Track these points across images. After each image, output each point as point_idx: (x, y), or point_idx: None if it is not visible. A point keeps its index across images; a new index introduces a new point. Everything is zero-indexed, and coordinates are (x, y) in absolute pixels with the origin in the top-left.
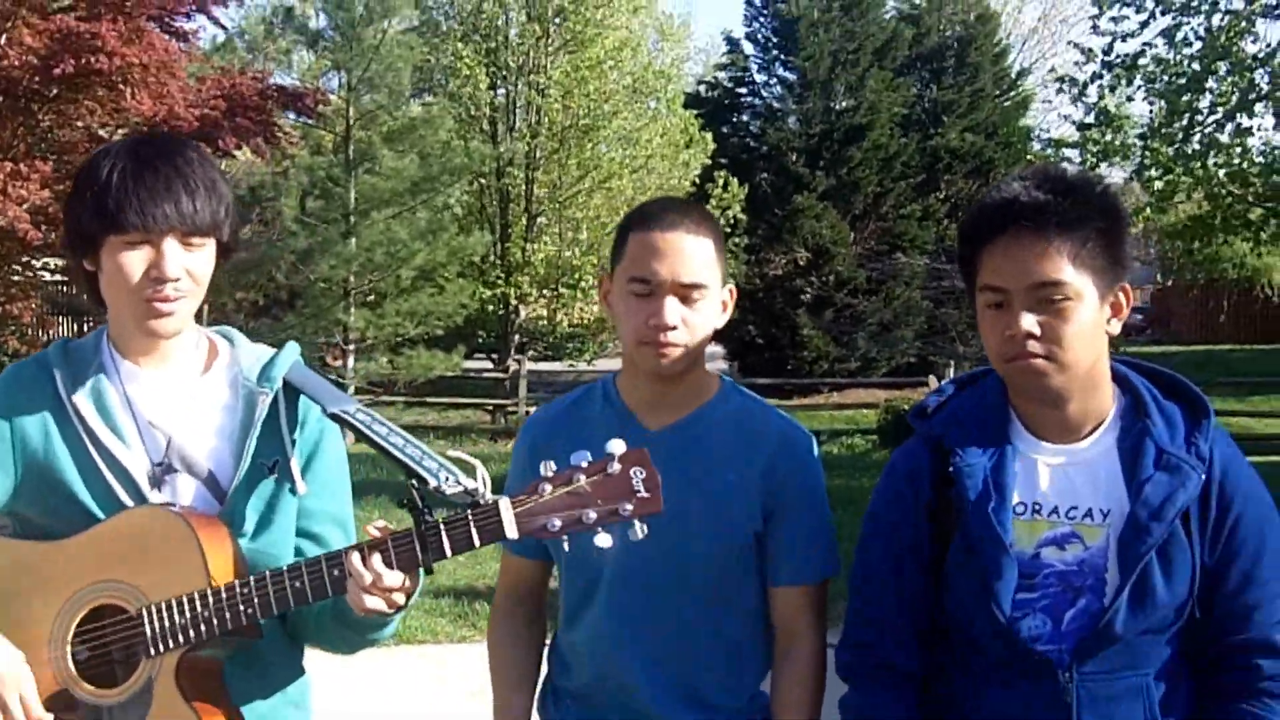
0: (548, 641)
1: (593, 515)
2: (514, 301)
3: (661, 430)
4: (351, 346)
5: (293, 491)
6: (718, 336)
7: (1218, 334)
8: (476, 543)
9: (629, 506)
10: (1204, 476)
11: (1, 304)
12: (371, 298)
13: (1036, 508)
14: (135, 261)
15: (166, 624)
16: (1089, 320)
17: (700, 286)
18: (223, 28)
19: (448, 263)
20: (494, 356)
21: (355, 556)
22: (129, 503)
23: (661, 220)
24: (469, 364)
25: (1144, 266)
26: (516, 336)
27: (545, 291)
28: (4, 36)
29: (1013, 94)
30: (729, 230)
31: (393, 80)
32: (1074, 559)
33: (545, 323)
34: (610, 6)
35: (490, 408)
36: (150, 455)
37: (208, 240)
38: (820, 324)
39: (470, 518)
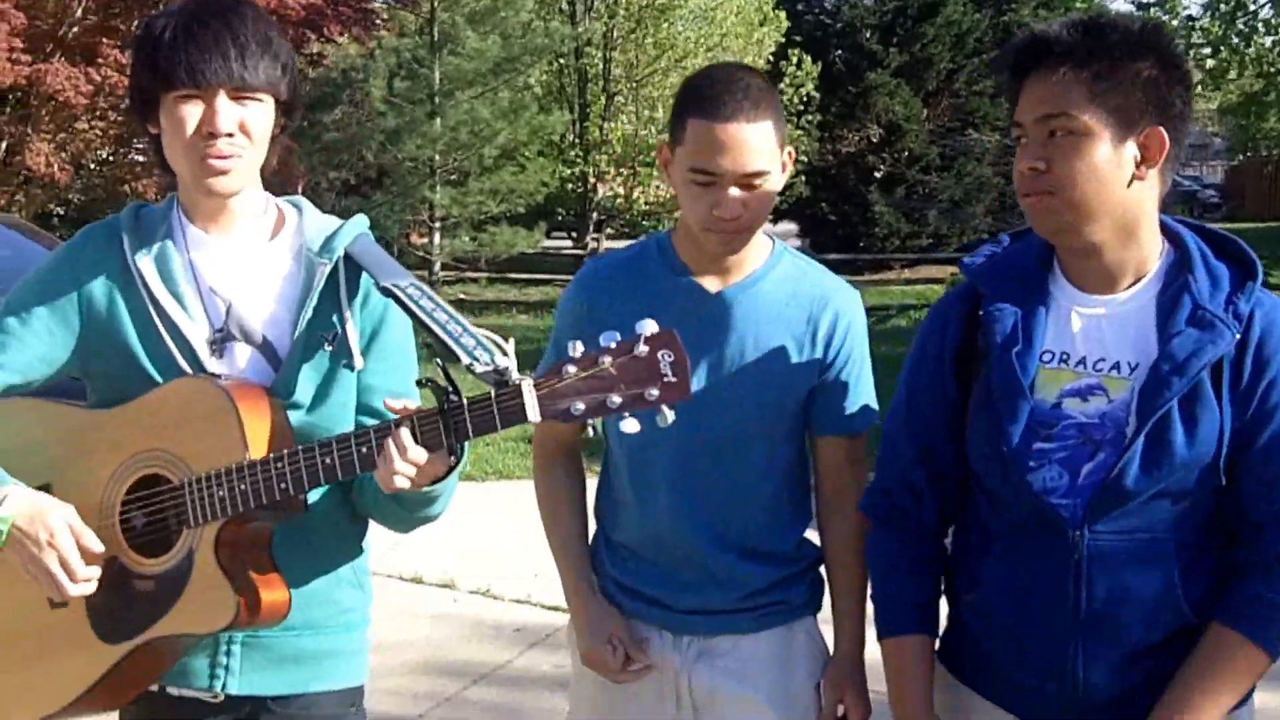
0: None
1: (617, 400)
2: (592, 180)
3: (720, 291)
4: (437, 224)
5: (349, 366)
6: (790, 213)
7: None
8: (498, 425)
9: (655, 391)
10: (1238, 336)
11: (127, 181)
12: (456, 176)
13: (1064, 357)
14: (188, 116)
15: (205, 496)
16: (1101, 158)
17: (763, 174)
18: None
19: (529, 141)
20: (573, 234)
21: (381, 432)
22: (187, 370)
23: (720, 109)
24: (549, 242)
25: (1222, 140)
26: (594, 214)
27: (622, 170)
28: None
29: None
30: (802, 108)
31: None
32: (1095, 411)
33: (622, 200)
34: None
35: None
36: (211, 322)
37: (263, 96)
38: (892, 201)
39: (493, 399)
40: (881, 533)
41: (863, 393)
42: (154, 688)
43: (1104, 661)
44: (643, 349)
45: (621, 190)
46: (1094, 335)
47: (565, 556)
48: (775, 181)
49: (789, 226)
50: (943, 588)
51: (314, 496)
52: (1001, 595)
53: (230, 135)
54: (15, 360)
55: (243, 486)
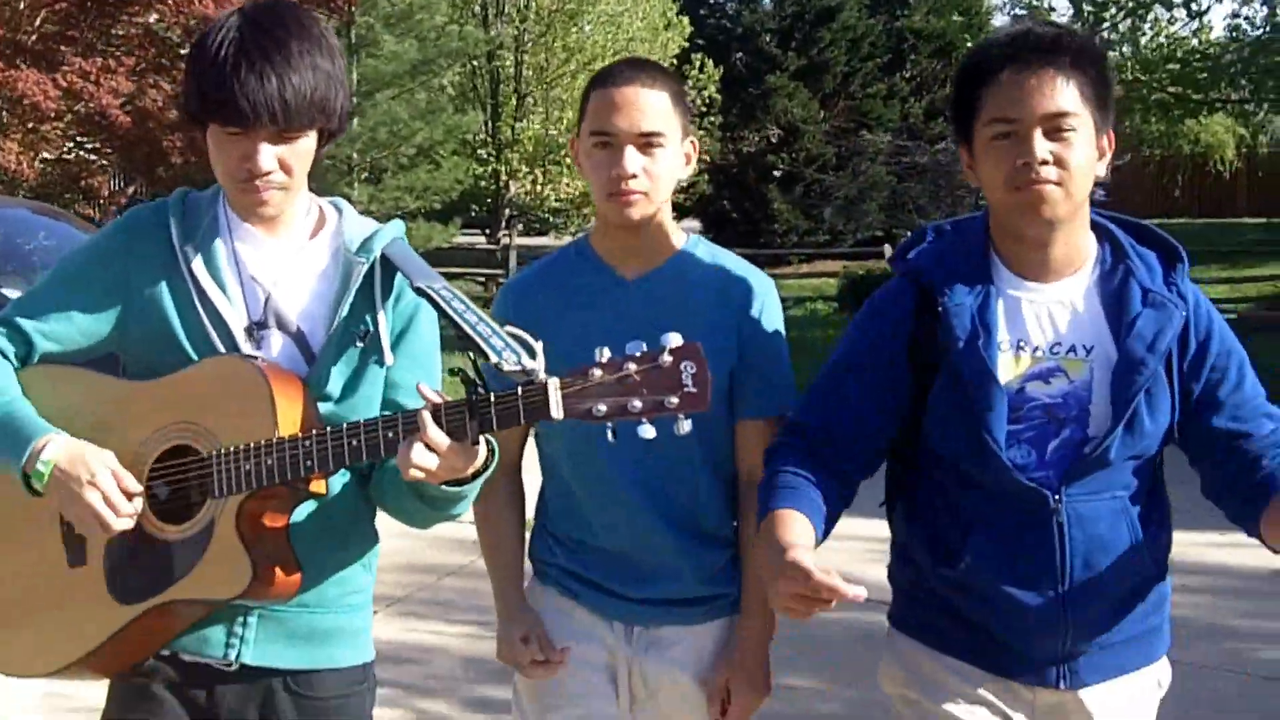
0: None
1: (638, 404)
2: (504, 177)
3: (637, 278)
4: None
5: (379, 362)
6: (694, 211)
7: (1172, 208)
8: (522, 419)
9: (674, 400)
10: (1185, 314)
11: (83, 177)
12: (373, 174)
13: (1020, 344)
14: (231, 152)
15: (232, 468)
16: (1090, 155)
17: (657, 134)
18: None
19: (444, 140)
20: (486, 230)
21: (409, 418)
22: (223, 351)
23: (618, 76)
24: (462, 238)
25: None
26: (507, 211)
27: (533, 168)
28: None
29: None
30: (705, 109)
31: None
32: (1058, 391)
33: (533, 198)
34: None
35: (482, 278)
36: (250, 311)
37: (308, 131)
38: (790, 198)
39: (519, 394)
40: (781, 451)
41: (780, 376)
42: (166, 652)
43: (1088, 610)
44: (667, 359)
45: (533, 187)
46: (1045, 321)
47: (496, 561)
48: (674, 153)
49: (693, 223)
50: (901, 563)
51: (335, 483)
52: (990, 565)
53: (269, 173)
54: (57, 330)
55: (269, 462)
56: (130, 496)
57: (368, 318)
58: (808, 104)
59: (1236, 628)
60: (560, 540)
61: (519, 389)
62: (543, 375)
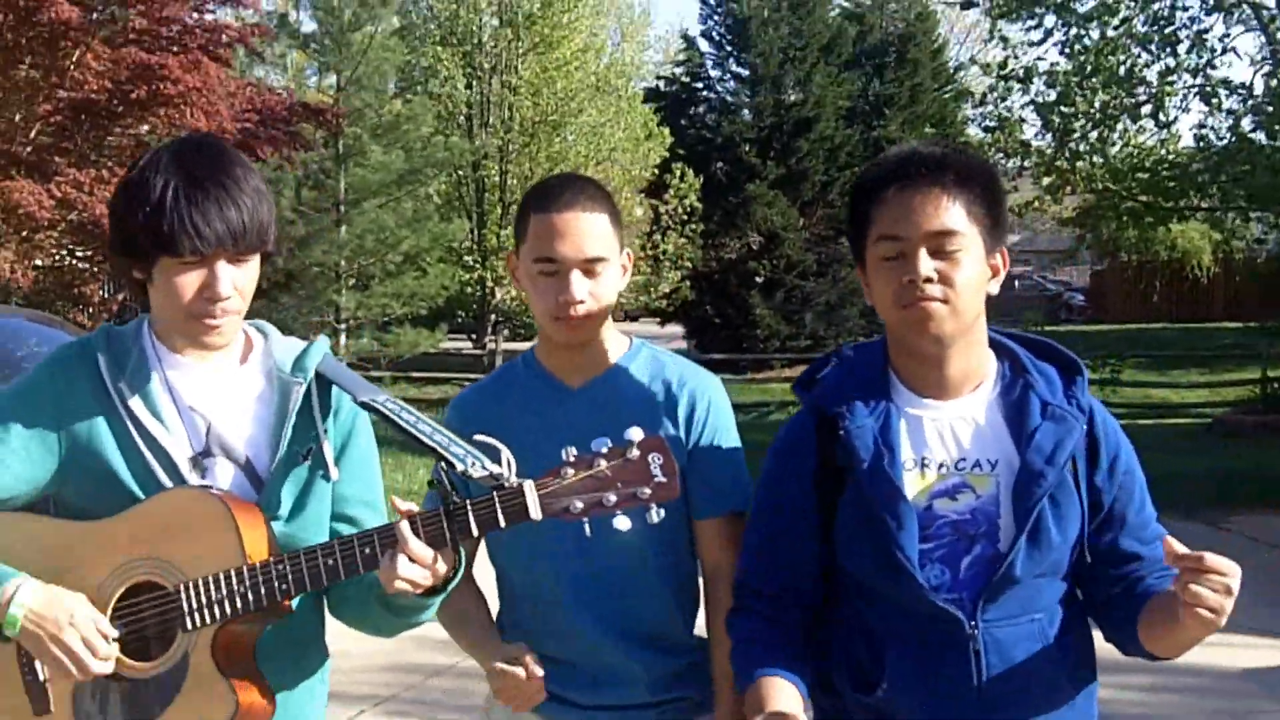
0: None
1: (613, 498)
2: (490, 284)
3: (582, 387)
4: (343, 325)
5: (325, 478)
6: (677, 316)
7: (1151, 313)
8: (502, 523)
9: (647, 491)
10: (1086, 426)
11: (75, 285)
12: (360, 280)
13: (924, 462)
14: (188, 282)
15: (203, 599)
16: (977, 272)
17: (602, 260)
18: (259, 56)
19: (430, 248)
20: (472, 335)
21: (385, 532)
22: (169, 485)
23: (558, 200)
24: (448, 343)
25: (1087, 250)
26: (492, 317)
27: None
28: (73, 64)
29: (950, 87)
30: (686, 217)
31: (378, 80)
32: (966, 507)
33: (519, 304)
34: (576, 10)
35: (467, 383)
36: (191, 440)
37: (255, 255)
38: (772, 304)
39: (496, 499)
40: (743, 619)
41: (733, 473)
42: None
43: None
44: (635, 453)
45: (518, 294)
46: (948, 438)
47: (466, 630)
48: (615, 270)
49: (675, 329)
50: (820, 690)
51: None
52: (908, 689)
53: (228, 298)
54: None
55: (241, 589)
56: (107, 638)
57: (310, 436)
58: (787, 211)
59: None
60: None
61: (494, 494)
62: (513, 479)
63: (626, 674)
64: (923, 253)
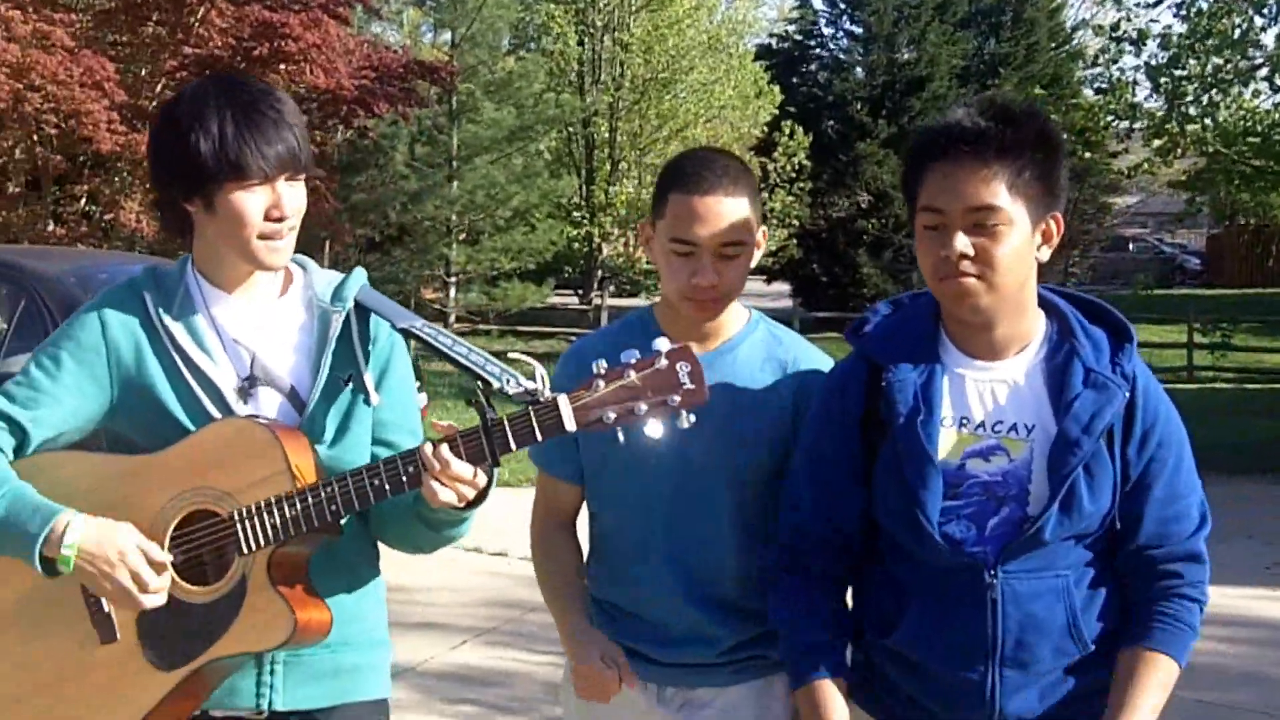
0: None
1: (644, 406)
2: (597, 240)
3: (702, 356)
4: (453, 279)
5: (366, 402)
6: (784, 274)
7: (1267, 278)
8: (538, 436)
9: (676, 397)
10: (1128, 395)
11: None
12: (470, 235)
13: (964, 421)
14: (256, 205)
15: (257, 524)
16: (1020, 245)
17: (739, 244)
18: (376, 13)
19: (539, 204)
20: (578, 291)
21: (428, 448)
22: (217, 415)
23: (700, 184)
24: (555, 297)
25: (1203, 214)
26: (599, 272)
27: (625, 231)
28: (198, 22)
29: (1067, 47)
30: (795, 175)
31: (492, 37)
32: (998, 470)
33: (625, 260)
34: None
35: (573, 338)
36: (236, 371)
37: (303, 177)
38: (879, 263)
39: (531, 413)
40: (788, 583)
41: None
42: (196, 711)
43: (1019, 689)
44: (663, 362)
45: (624, 250)
46: (989, 399)
47: (559, 595)
48: (750, 255)
49: (782, 287)
50: (855, 638)
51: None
52: (922, 638)
53: (291, 216)
54: (48, 416)
55: (293, 512)
56: (159, 569)
57: (351, 362)
58: (897, 171)
59: (1271, 675)
60: (602, 606)
61: (529, 408)
62: (547, 393)
63: (707, 637)
64: (960, 228)
